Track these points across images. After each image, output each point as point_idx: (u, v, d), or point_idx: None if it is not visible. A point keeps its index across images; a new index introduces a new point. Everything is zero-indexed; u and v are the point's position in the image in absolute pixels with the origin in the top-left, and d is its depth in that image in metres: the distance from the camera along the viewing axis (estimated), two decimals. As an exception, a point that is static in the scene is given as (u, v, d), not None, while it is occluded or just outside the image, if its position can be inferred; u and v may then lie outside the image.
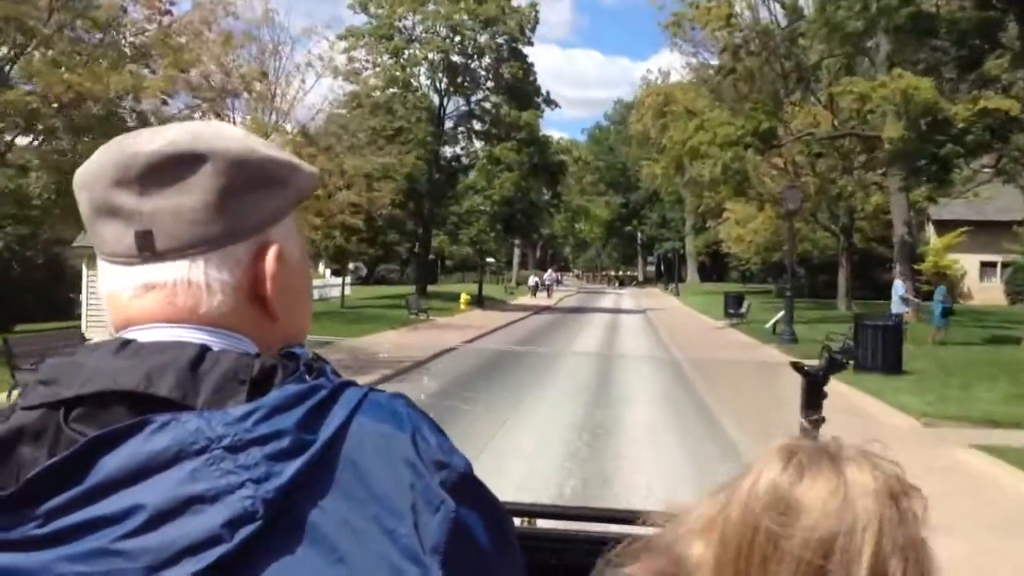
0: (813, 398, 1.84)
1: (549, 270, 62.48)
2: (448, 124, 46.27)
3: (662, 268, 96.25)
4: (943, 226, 46.09)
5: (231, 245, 0.85)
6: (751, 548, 0.90)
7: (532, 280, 55.31)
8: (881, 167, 27.70)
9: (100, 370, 0.77)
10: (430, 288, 49.26)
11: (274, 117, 26.32)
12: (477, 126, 46.03)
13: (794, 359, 2.01)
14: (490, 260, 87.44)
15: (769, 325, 26.94)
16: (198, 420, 0.73)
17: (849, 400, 14.43)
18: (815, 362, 1.94)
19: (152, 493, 0.70)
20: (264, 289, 0.86)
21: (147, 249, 0.83)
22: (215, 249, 0.84)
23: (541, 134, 44.85)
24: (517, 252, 76.15)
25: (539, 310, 42.23)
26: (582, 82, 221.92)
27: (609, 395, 15.07)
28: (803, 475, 0.90)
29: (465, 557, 0.76)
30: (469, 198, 41.73)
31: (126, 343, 0.81)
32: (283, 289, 0.88)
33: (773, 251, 46.73)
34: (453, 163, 45.11)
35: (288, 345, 0.86)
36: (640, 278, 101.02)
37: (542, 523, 1.94)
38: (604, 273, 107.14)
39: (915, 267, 47.69)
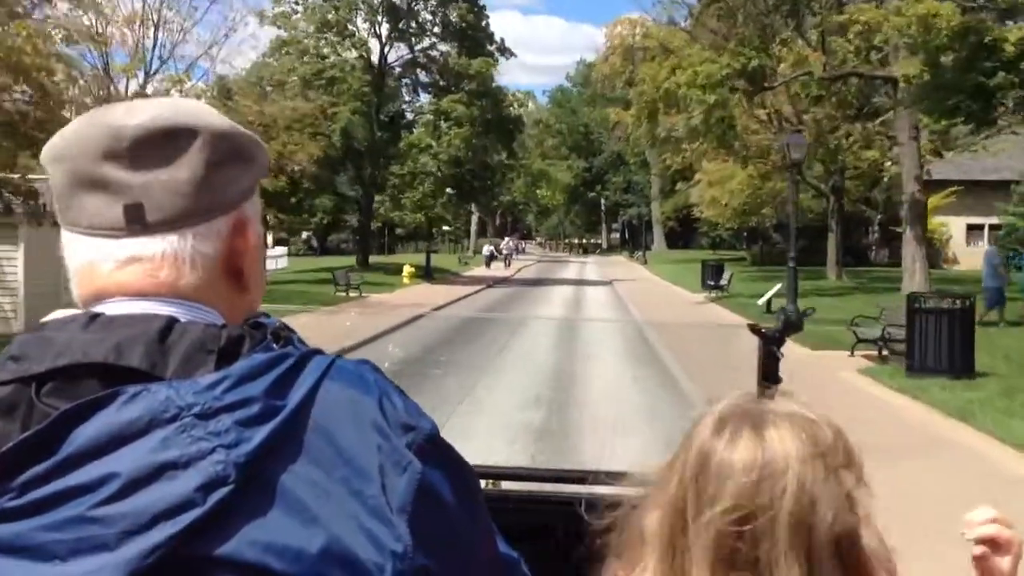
0: (769, 361, 1.78)
1: (506, 238, 56.66)
2: (391, 75, 40.76)
3: (627, 235, 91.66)
4: (927, 186, 41.81)
5: (214, 219, 0.86)
6: (685, 511, 0.93)
7: (487, 249, 49.69)
8: (906, 106, 22.93)
9: (70, 344, 0.78)
10: (376, 260, 44.21)
11: (158, 51, 20.88)
12: (423, 77, 40.58)
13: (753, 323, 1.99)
14: (446, 228, 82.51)
15: (762, 301, 22.22)
16: (168, 390, 0.74)
17: (921, 424, 9.70)
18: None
19: (125, 461, 0.71)
20: (240, 262, 0.89)
21: (137, 222, 0.83)
22: (201, 223, 0.85)
23: (494, 85, 39.44)
24: (475, 219, 70.73)
25: (493, 283, 37.32)
26: (545, 49, 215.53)
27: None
28: (729, 441, 0.93)
29: (432, 516, 0.78)
30: (413, 158, 36.35)
31: (94, 316, 0.81)
32: (254, 263, 0.90)
33: (750, 215, 42.13)
34: (397, 119, 39.67)
35: (254, 316, 0.86)
36: (604, 246, 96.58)
37: (507, 485, 1.91)
38: (567, 241, 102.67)
39: (897, 230, 43.60)
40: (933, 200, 40.20)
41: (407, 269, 34.66)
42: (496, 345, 16.79)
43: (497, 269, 46.79)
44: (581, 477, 1.94)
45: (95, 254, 0.85)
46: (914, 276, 25.07)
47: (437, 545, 0.78)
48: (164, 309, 0.83)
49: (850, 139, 30.20)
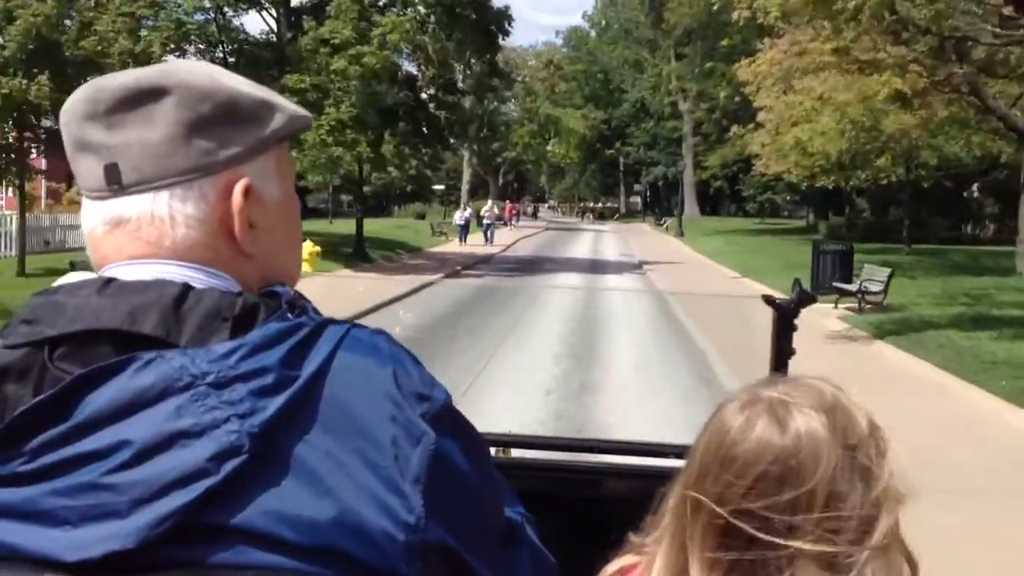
0: (784, 333, 1.75)
1: (488, 202, 38.49)
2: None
3: (648, 199, 76.24)
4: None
5: (197, 180, 0.82)
6: (698, 493, 0.91)
7: (460, 217, 33.29)
8: None
9: (83, 309, 0.76)
10: (309, 228, 29.31)
11: None
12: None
13: (767, 294, 1.80)
14: (436, 188, 67.27)
15: None
16: (182, 357, 0.72)
17: None
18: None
19: (139, 429, 0.69)
20: (231, 225, 0.83)
21: (114, 182, 0.81)
22: (180, 183, 0.81)
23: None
24: (466, 175, 55.21)
25: (457, 270, 22.59)
26: (561, 9, 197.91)
27: None
28: (751, 429, 0.91)
29: (446, 487, 0.76)
30: (321, 63, 21.05)
31: (108, 281, 0.79)
32: (260, 228, 0.84)
33: (856, 168, 26.96)
34: (316, 9, 24.29)
35: (269, 284, 0.84)
36: (622, 211, 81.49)
37: (517, 452, 1.82)
38: (581, 205, 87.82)
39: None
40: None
41: (309, 248, 19.86)
42: None
43: (475, 244, 31.81)
44: (591, 446, 1.92)
45: (93, 219, 0.83)
46: None
47: (450, 515, 0.75)
48: (179, 274, 0.79)
49: None
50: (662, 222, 57.36)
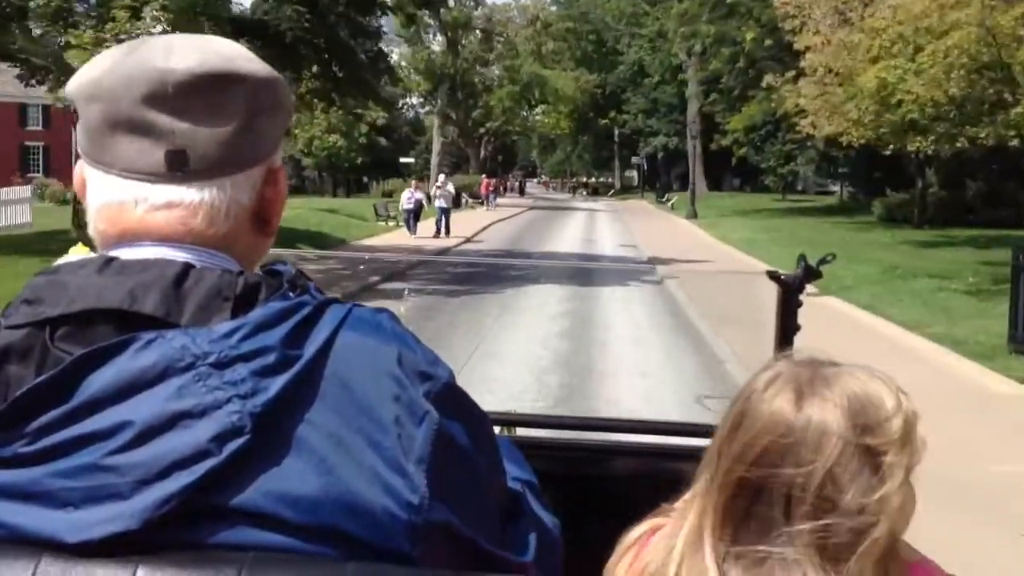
0: (789, 309, 1.73)
1: (441, 177, 26.53)
2: None
3: (646, 172, 67.17)
4: None
5: (251, 168, 0.82)
6: (721, 453, 0.91)
7: (407, 199, 23.29)
8: None
9: (84, 289, 0.74)
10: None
11: None
12: None
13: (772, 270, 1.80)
14: (405, 160, 58.08)
15: None
16: (183, 337, 0.71)
17: None
18: None
19: (140, 409, 0.68)
20: (271, 211, 0.84)
21: (179, 168, 0.78)
22: (240, 172, 0.81)
23: None
24: (436, 145, 45.86)
25: (371, 284, 13.63)
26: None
27: None
28: (770, 399, 0.90)
29: (450, 466, 0.74)
30: None
31: (109, 261, 0.76)
32: (281, 211, 0.86)
33: (969, 122, 17.94)
34: None
35: (270, 263, 0.83)
36: (617, 186, 72.58)
37: (522, 431, 1.79)
38: (574, 180, 78.97)
39: None
40: None
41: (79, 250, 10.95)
42: None
43: (425, 234, 22.69)
44: (595, 425, 1.96)
45: (127, 196, 0.79)
46: None
47: (454, 495, 0.73)
48: (180, 255, 0.77)
49: None
50: (665, 199, 48.49)
